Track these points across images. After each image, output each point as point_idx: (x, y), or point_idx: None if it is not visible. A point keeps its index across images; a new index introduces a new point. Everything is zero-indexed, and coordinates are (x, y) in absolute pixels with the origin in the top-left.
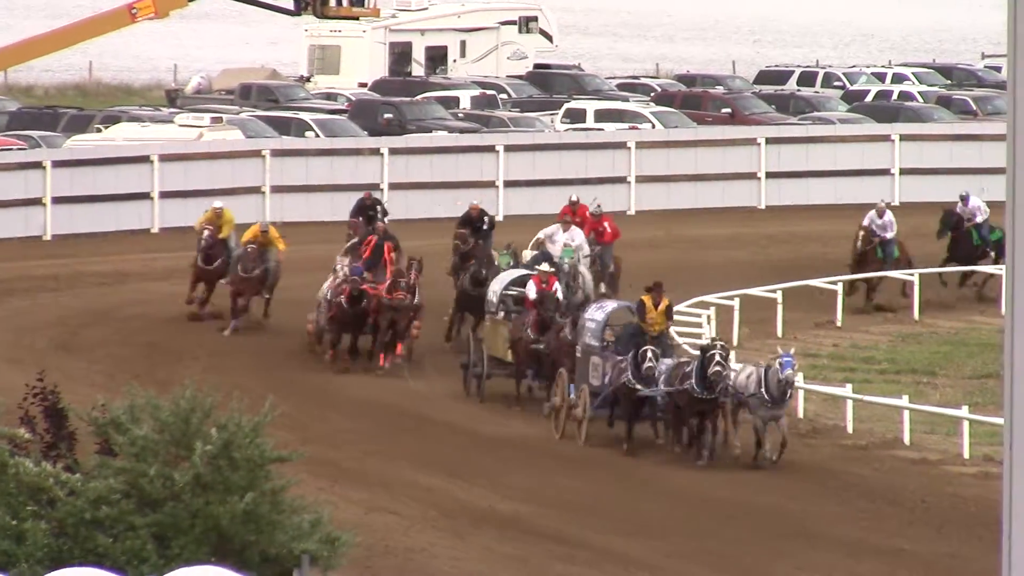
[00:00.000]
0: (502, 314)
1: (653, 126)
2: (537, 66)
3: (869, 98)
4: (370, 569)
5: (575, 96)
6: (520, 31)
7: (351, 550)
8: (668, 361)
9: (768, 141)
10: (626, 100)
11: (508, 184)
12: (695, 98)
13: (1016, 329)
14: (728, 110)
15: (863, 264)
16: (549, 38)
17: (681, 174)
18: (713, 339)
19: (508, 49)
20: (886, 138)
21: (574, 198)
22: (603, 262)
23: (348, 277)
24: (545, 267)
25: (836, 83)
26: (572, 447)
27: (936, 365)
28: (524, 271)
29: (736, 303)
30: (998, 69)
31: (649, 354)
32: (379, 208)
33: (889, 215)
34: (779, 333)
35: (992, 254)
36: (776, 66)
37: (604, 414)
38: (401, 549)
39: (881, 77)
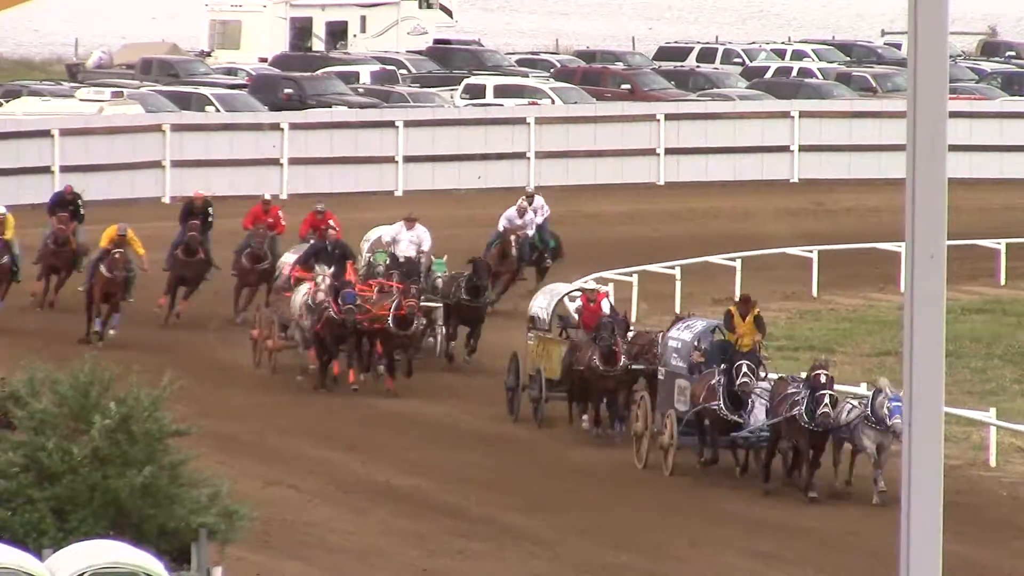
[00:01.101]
0: (554, 332)
1: (553, 102)
2: (437, 41)
3: (769, 75)
4: (268, 543)
5: (475, 72)
6: (420, 6)
7: (249, 524)
8: (763, 384)
9: (667, 117)
10: (526, 76)
11: (408, 159)
12: (595, 74)
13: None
14: (628, 86)
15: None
16: (449, 13)
17: (580, 150)
18: (819, 362)
19: (408, 24)
20: (786, 115)
21: (319, 207)
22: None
23: (342, 305)
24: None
25: (736, 60)
26: (474, 424)
27: (835, 342)
28: (575, 287)
29: (635, 279)
30: (898, 46)
31: (744, 368)
32: (80, 203)
33: (539, 200)
34: (677, 309)
35: (548, 260)
36: (676, 42)
37: (691, 443)
38: (299, 523)
39: (781, 54)
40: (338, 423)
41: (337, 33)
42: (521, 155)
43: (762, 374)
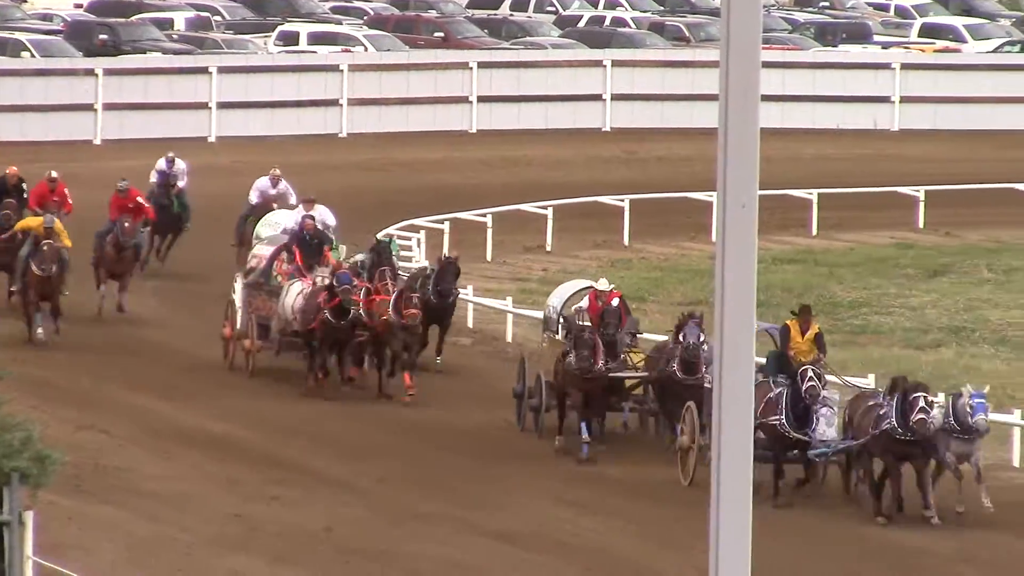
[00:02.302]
0: (562, 334)
1: (366, 49)
2: None
3: (582, 24)
4: (80, 488)
5: (288, 19)
6: None
7: (61, 468)
8: (825, 411)
9: (480, 65)
10: (339, 23)
11: (221, 106)
12: (408, 22)
13: (727, 256)
14: (440, 34)
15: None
16: None
17: (393, 97)
18: (910, 381)
19: None
20: (598, 64)
21: (120, 184)
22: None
23: (336, 286)
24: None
25: (549, 8)
26: (298, 374)
27: (646, 291)
28: (587, 282)
29: (446, 227)
30: None
31: (810, 373)
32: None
33: (179, 164)
34: (488, 257)
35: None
36: None
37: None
38: (111, 468)
39: (594, 3)
40: (152, 370)
41: None
42: (334, 102)
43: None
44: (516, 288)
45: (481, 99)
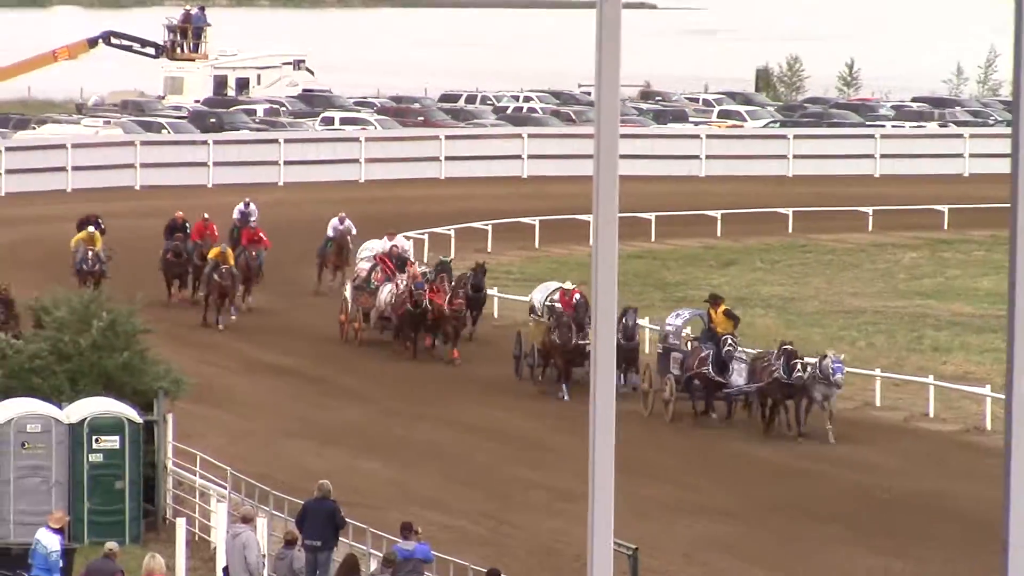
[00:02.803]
0: (545, 318)
1: (376, 127)
2: (304, 91)
3: (509, 111)
4: (201, 399)
5: (327, 109)
6: (294, 68)
7: (189, 387)
8: (738, 365)
9: (447, 137)
10: (359, 111)
11: (287, 163)
12: (401, 111)
13: (599, 254)
14: (421, 118)
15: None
16: (311, 72)
17: (393, 157)
18: (784, 342)
19: (287, 80)
20: (519, 136)
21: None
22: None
23: (414, 289)
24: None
25: (488, 102)
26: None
27: (549, 275)
28: (558, 284)
29: (426, 237)
30: (588, 93)
31: (730, 340)
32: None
33: (252, 207)
34: (452, 255)
35: None
36: (453, 91)
37: (686, 396)
38: (220, 387)
39: (516, 98)
40: (270, 336)
41: (243, 84)
42: (355, 160)
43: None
44: (507, 275)
45: (447, 158)
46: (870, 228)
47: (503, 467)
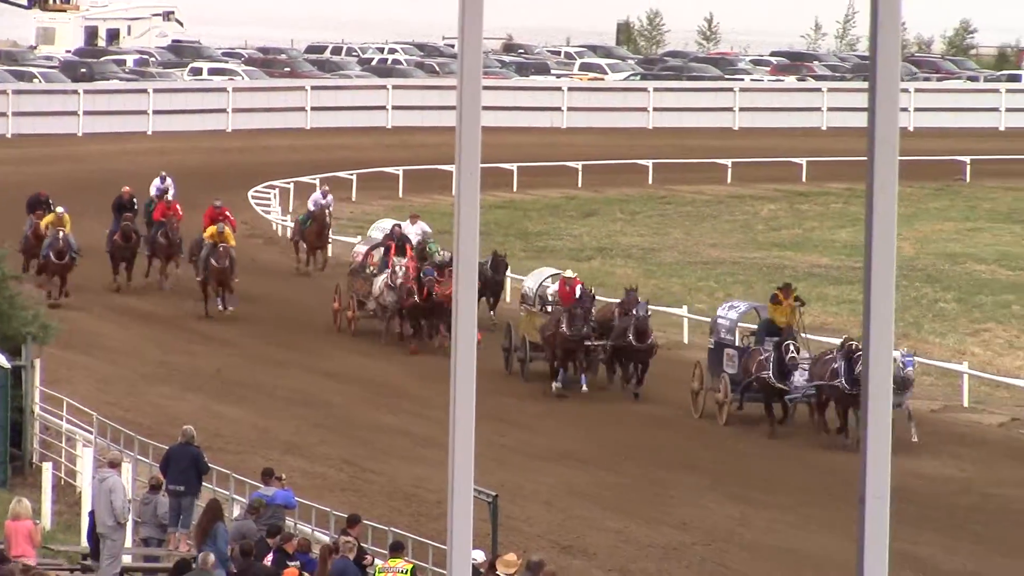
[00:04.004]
0: (538, 307)
1: (243, 78)
2: (174, 42)
3: (374, 62)
4: (69, 344)
5: (196, 59)
6: (164, 19)
7: (57, 332)
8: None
9: (312, 88)
10: (227, 62)
11: (155, 112)
12: (268, 62)
13: (462, 203)
14: (288, 69)
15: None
16: (181, 23)
17: (259, 107)
18: (848, 339)
19: (156, 30)
20: (384, 87)
21: (217, 202)
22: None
23: (424, 278)
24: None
25: (354, 54)
26: None
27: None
28: (554, 271)
29: (292, 187)
30: (452, 46)
31: (792, 347)
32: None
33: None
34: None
35: None
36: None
37: (749, 397)
38: (88, 332)
39: (380, 49)
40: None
41: (113, 35)
42: (223, 110)
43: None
44: (338, 223)
45: (314, 108)
46: (729, 180)
47: (366, 414)
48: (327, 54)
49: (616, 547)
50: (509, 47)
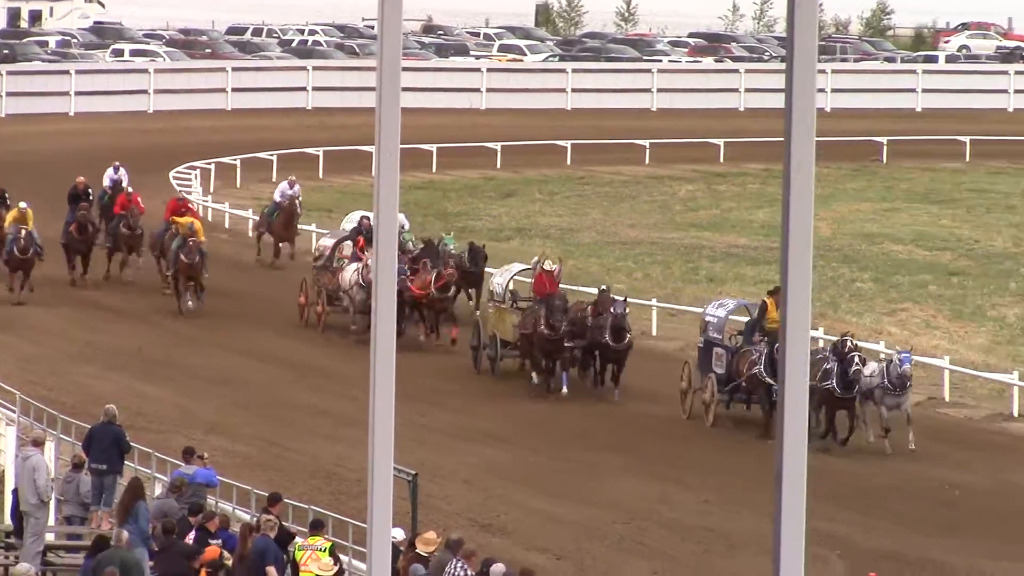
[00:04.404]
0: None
1: (165, 59)
2: (96, 23)
3: (294, 44)
4: None
5: (117, 41)
6: (86, 1)
7: None
8: None
9: (233, 69)
10: (148, 43)
11: (78, 93)
12: (190, 43)
13: (381, 184)
14: (209, 50)
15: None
16: (102, 5)
17: (181, 88)
18: (844, 335)
19: (79, 12)
20: (304, 68)
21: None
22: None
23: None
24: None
25: (274, 35)
26: None
27: (334, 205)
28: (524, 265)
29: (212, 167)
30: (372, 27)
31: None
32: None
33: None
34: (238, 184)
35: None
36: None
37: (738, 398)
38: (16, 313)
39: (301, 31)
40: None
41: (35, 16)
42: (145, 91)
43: None
44: (258, 203)
45: (234, 90)
46: (647, 161)
47: (287, 394)
48: (248, 36)
49: (535, 525)
50: (428, 28)
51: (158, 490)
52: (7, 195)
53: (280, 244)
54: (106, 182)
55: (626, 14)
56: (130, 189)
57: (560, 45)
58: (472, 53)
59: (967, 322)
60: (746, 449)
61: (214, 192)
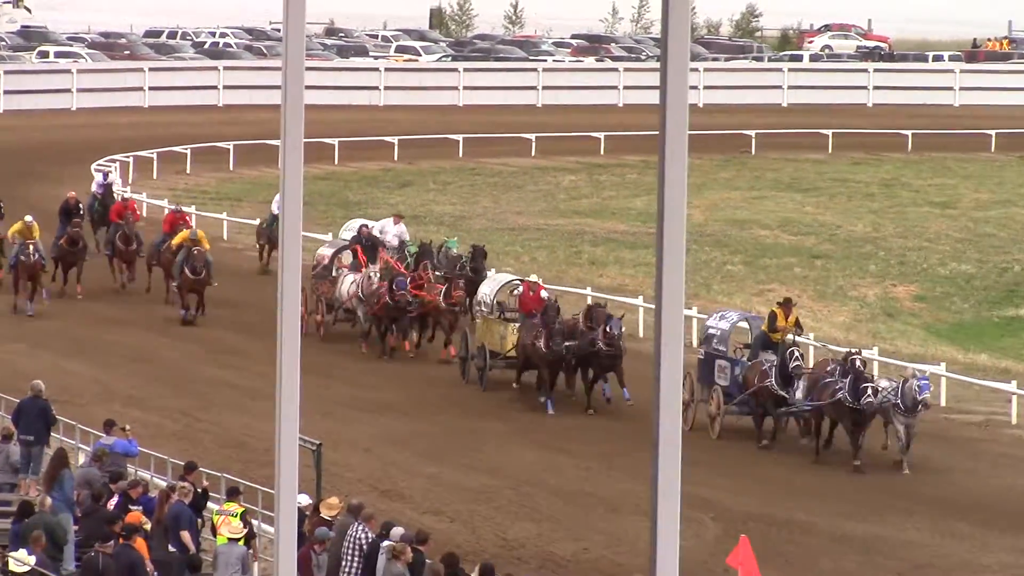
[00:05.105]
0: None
1: (88, 60)
2: (23, 27)
3: (206, 46)
4: None
5: (43, 44)
6: (14, 6)
7: None
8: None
9: (150, 69)
10: (71, 46)
11: (7, 92)
12: (110, 46)
13: (287, 174)
14: (128, 52)
15: None
16: (29, 10)
17: (102, 87)
18: (852, 352)
19: (6, 17)
20: (215, 68)
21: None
22: None
23: (396, 289)
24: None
25: (188, 38)
26: None
27: (244, 194)
28: (511, 277)
29: (131, 159)
30: (278, 29)
31: (796, 353)
32: (81, 207)
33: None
34: (155, 176)
35: None
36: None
37: (742, 411)
38: None
39: (213, 34)
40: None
41: None
42: (68, 90)
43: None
44: (173, 194)
45: (151, 88)
46: (533, 153)
47: (200, 369)
48: (163, 38)
49: (430, 491)
50: (331, 31)
51: (82, 459)
52: (2, 204)
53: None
54: (94, 188)
55: (513, 17)
56: (126, 196)
57: (452, 46)
58: (371, 54)
59: (830, 302)
60: (629, 417)
61: (132, 183)
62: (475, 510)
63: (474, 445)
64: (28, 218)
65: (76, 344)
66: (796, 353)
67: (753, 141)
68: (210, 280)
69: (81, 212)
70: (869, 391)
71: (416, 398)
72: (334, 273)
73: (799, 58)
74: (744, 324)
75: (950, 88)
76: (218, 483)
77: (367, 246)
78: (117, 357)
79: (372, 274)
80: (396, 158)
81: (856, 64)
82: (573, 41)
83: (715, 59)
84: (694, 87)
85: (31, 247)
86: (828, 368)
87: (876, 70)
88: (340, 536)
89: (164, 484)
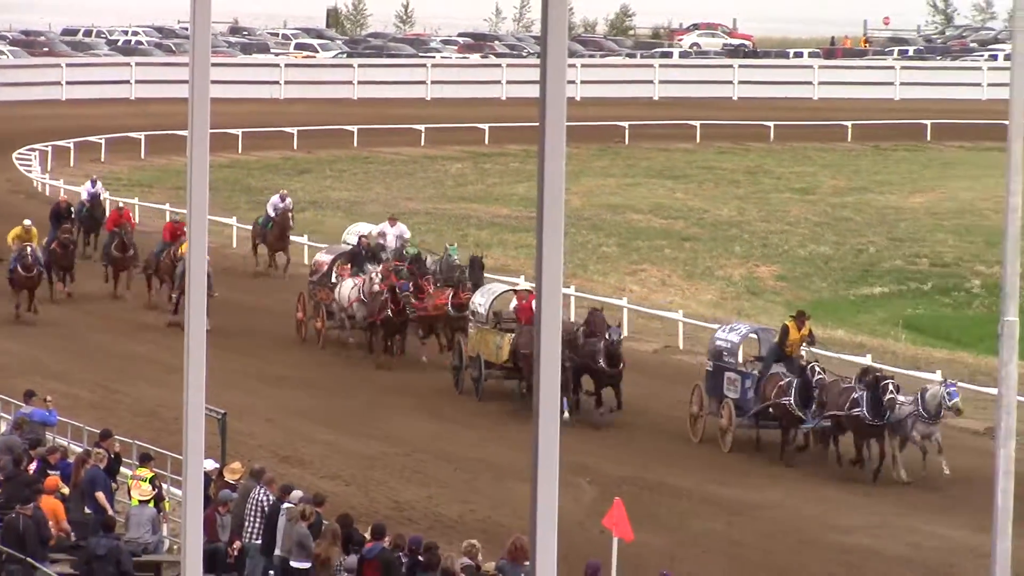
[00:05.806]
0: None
1: (8, 57)
2: None
3: (119, 43)
4: None
5: None
6: None
7: None
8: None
9: (67, 65)
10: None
11: None
12: (29, 43)
13: (193, 161)
14: (46, 49)
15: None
16: None
17: (20, 82)
18: (869, 369)
19: None
20: (126, 65)
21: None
22: None
23: (399, 293)
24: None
25: (101, 36)
26: None
27: (227, 180)
28: (507, 287)
29: (50, 148)
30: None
31: (818, 369)
32: (72, 211)
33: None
34: (103, 159)
35: None
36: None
37: (750, 423)
38: None
39: (126, 32)
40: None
41: None
42: None
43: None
44: (117, 181)
45: (68, 83)
46: (423, 143)
47: (117, 344)
48: (80, 36)
49: (328, 457)
50: (235, 30)
51: (3, 427)
52: None
53: (275, 254)
54: (83, 195)
55: (404, 16)
56: (121, 204)
57: (348, 44)
58: (272, 51)
59: (698, 281)
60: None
61: (51, 171)
62: (370, 475)
63: (379, 416)
64: (27, 222)
65: (6, 325)
66: (817, 369)
67: (627, 132)
68: (211, 292)
69: (72, 216)
70: (890, 390)
71: (319, 373)
72: (333, 279)
73: (669, 55)
74: (754, 336)
75: (809, 83)
76: (131, 449)
77: (368, 256)
78: (42, 333)
79: (374, 275)
80: (295, 147)
81: (722, 60)
82: (460, 39)
83: (592, 56)
84: (571, 82)
85: (29, 251)
86: (844, 385)
87: (741, 66)
88: (243, 498)
89: (80, 450)
